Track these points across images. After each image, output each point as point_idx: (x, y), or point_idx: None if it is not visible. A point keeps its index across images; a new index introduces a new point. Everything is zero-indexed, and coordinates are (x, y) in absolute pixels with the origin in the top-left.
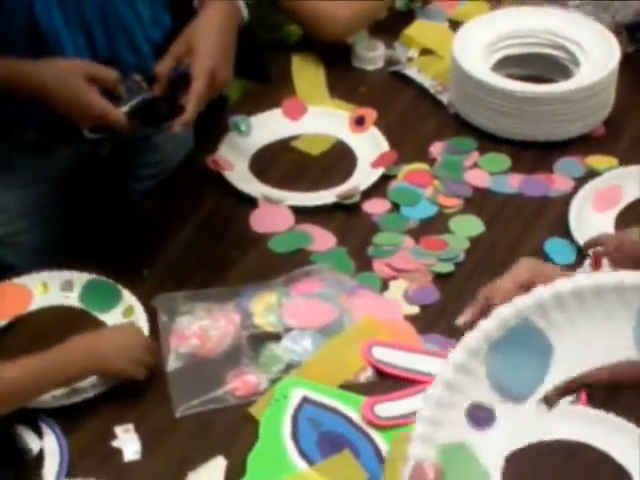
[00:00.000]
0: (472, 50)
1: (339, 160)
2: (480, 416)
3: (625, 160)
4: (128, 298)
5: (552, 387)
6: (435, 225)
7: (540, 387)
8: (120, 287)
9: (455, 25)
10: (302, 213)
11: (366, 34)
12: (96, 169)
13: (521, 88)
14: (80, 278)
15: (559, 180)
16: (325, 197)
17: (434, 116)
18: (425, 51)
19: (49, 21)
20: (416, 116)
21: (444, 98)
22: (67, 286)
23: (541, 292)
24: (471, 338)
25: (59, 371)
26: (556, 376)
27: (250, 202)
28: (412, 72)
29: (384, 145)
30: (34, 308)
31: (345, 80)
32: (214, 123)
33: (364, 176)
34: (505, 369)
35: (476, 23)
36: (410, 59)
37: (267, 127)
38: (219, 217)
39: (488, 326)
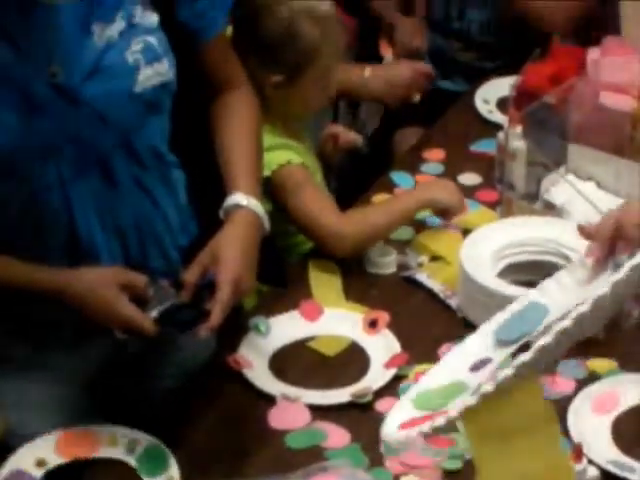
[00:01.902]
0: (479, 257)
1: (353, 360)
2: None
3: (624, 360)
4: None
5: None
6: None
7: None
8: None
9: (465, 232)
10: (318, 410)
11: (380, 241)
12: (123, 367)
13: (524, 294)
14: None
15: (561, 382)
16: (340, 396)
17: (443, 319)
18: (435, 257)
19: (87, 231)
20: (426, 319)
21: (452, 302)
22: None
23: None
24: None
25: None
26: None
27: (268, 399)
28: (422, 277)
29: (396, 346)
30: None
31: (359, 284)
32: (232, 324)
33: (377, 376)
34: None
35: (483, 231)
36: (421, 264)
37: (285, 328)
38: (238, 413)
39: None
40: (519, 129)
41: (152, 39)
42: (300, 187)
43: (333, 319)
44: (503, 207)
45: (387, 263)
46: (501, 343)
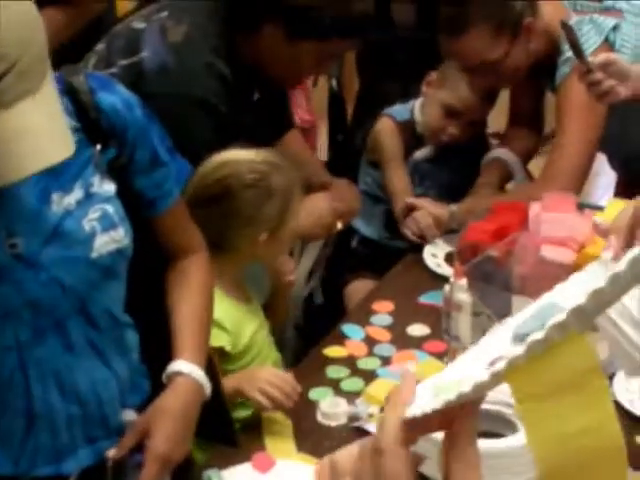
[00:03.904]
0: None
1: None
2: None
3: None
4: None
5: None
6: None
7: None
8: None
9: None
10: None
11: (331, 392)
12: None
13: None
14: None
15: None
16: None
17: None
18: None
19: (43, 394)
20: None
21: None
22: None
23: None
24: None
25: None
26: None
27: None
28: (372, 427)
29: None
30: None
31: (311, 435)
32: (184, 478)
33: None
34: None
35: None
36: (371, 415)
37: None
38: None
39: None
40: (464, 282)
41: (109, 207)
42: None
43: (285, 470)
44: (450, 358)
45: (338, 414)
46: (516, 339)
